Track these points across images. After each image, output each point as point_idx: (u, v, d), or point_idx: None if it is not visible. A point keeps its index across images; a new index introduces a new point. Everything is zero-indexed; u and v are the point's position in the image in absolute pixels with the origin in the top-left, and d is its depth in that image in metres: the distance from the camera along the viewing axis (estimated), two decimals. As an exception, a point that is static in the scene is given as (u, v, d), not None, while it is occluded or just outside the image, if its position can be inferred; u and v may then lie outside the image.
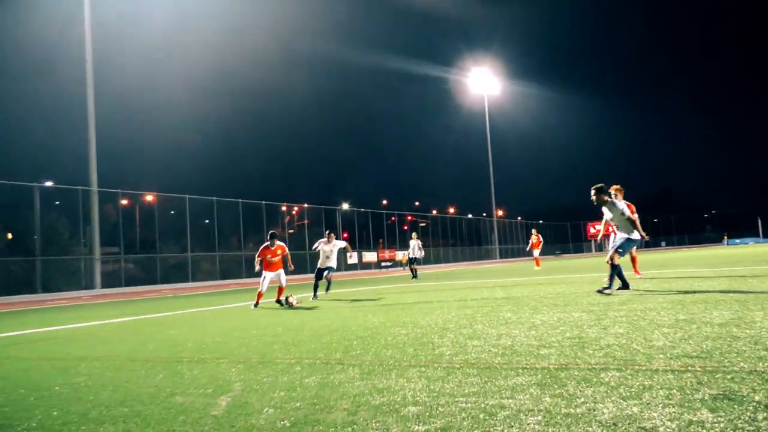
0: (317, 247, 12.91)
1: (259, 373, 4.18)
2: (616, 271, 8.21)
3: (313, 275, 13.00)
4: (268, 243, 10.89)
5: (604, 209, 8.57)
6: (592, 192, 8.52)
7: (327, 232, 13.02)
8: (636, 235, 8.35)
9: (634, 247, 10.99)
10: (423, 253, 22.24)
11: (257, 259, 11.00)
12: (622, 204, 8.49)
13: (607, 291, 8.15)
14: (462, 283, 16.02)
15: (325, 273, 12.74)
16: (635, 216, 10.89)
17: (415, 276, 21.45)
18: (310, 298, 12.28)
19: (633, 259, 11.29)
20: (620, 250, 8.31)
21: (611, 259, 8.23)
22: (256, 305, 10.76)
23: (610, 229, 9.76)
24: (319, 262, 12.82)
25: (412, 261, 21.79)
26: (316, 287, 12.60)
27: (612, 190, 11.05)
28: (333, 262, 12.83)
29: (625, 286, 8.47)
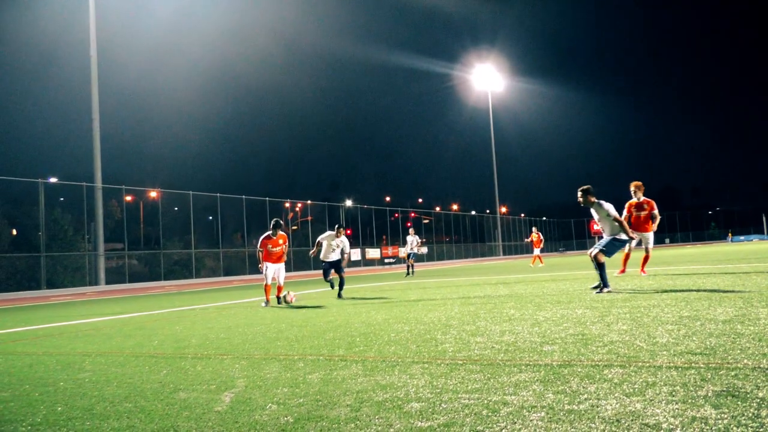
0: (322, 239, 11.86)
1: (262, 369, 4.19)
2: (601, 270, 8.20)
3: (315, 271, 12.82)
4: (270, 233, 10.39)
5: (592, 210, 8.56)
6: (579, 194, 8.53)
7: (336, 226, 12.01)
8: (623, 236, 8.34)
9: (651, 245, 10.96)
10: (425, 250, 22.22)
11: (259, 252, 10.46)
12: (608, 205, 8.45)
13: (606, 290, 8.14)
14: (465, 279, 16.02)
15: (334, 270, 11.91)
16: (655, 212, 10.85)
17: (408, 273, 21.20)
18: (330, 287, 12.36)
19: (645, 258, 11.20)
20: (605, 250, 8.30)
21: (595, 258, 8.22)
22: (267, 302, 10.34)
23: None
24: (322, 255, 11.92)
25: (409, 256, 21.73)
26: (327, 277, 12.04)
27: (632, 187, 10.99)
28: (337, 256, 11.97)
29: (605, 284, 8.27)
